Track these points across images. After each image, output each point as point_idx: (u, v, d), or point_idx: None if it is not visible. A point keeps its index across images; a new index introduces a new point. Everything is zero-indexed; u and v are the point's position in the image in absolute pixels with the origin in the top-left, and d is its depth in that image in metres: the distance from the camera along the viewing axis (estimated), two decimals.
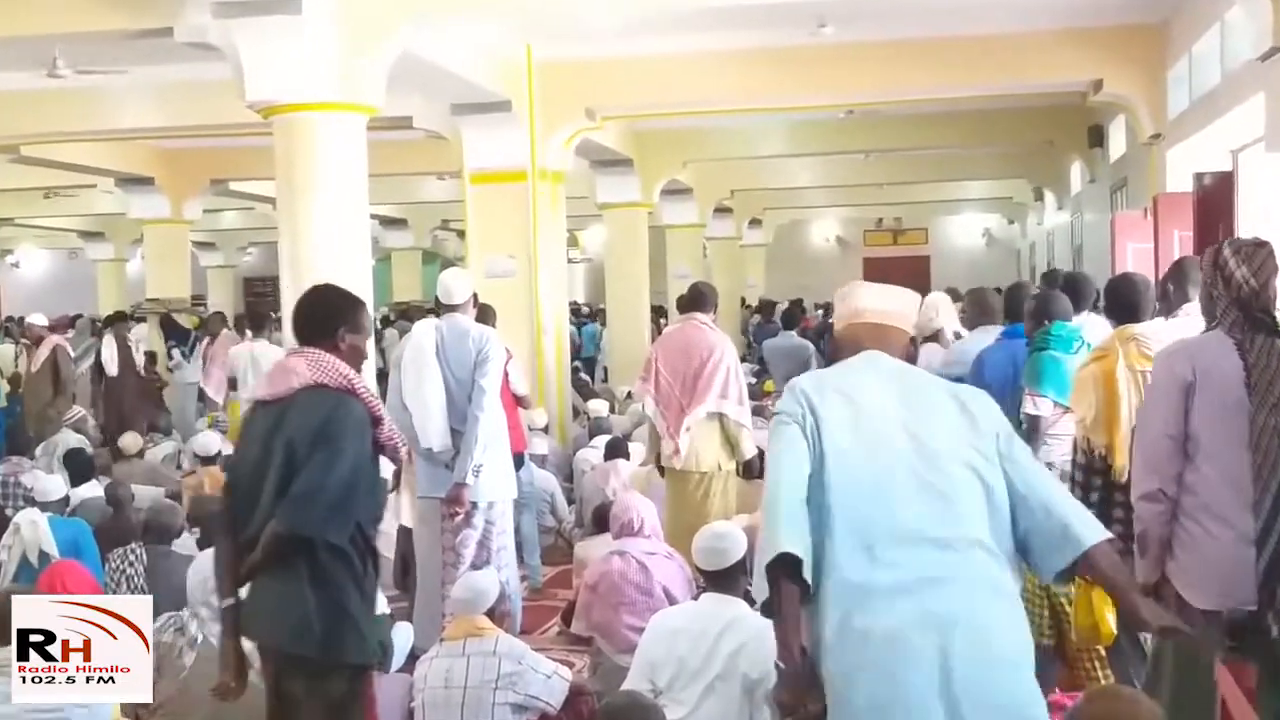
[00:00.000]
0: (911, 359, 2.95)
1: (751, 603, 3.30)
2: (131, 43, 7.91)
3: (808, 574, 2.54)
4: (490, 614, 4.47)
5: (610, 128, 12.16)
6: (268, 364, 9.68)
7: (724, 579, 4.32)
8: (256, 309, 13.33)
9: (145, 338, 13.35)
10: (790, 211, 24.47)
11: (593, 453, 8.82)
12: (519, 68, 10.04)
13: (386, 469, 3.87)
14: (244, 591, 3.40)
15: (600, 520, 6.59)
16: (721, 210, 19.62)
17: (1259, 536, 3.12)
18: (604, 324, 16.77)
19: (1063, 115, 13.73)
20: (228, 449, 9.60)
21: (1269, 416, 3.14)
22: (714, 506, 6.44)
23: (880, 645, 2.51)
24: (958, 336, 6.78)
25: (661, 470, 6.72)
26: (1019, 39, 10.08)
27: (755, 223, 23.04)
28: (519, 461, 6.61)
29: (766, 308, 19.16)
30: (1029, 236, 23.61)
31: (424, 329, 5.73)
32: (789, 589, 2.55)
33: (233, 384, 10.29)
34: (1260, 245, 3.35)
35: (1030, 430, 5.53)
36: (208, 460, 8.26)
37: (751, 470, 6.47)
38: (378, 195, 12.33)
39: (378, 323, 13.37)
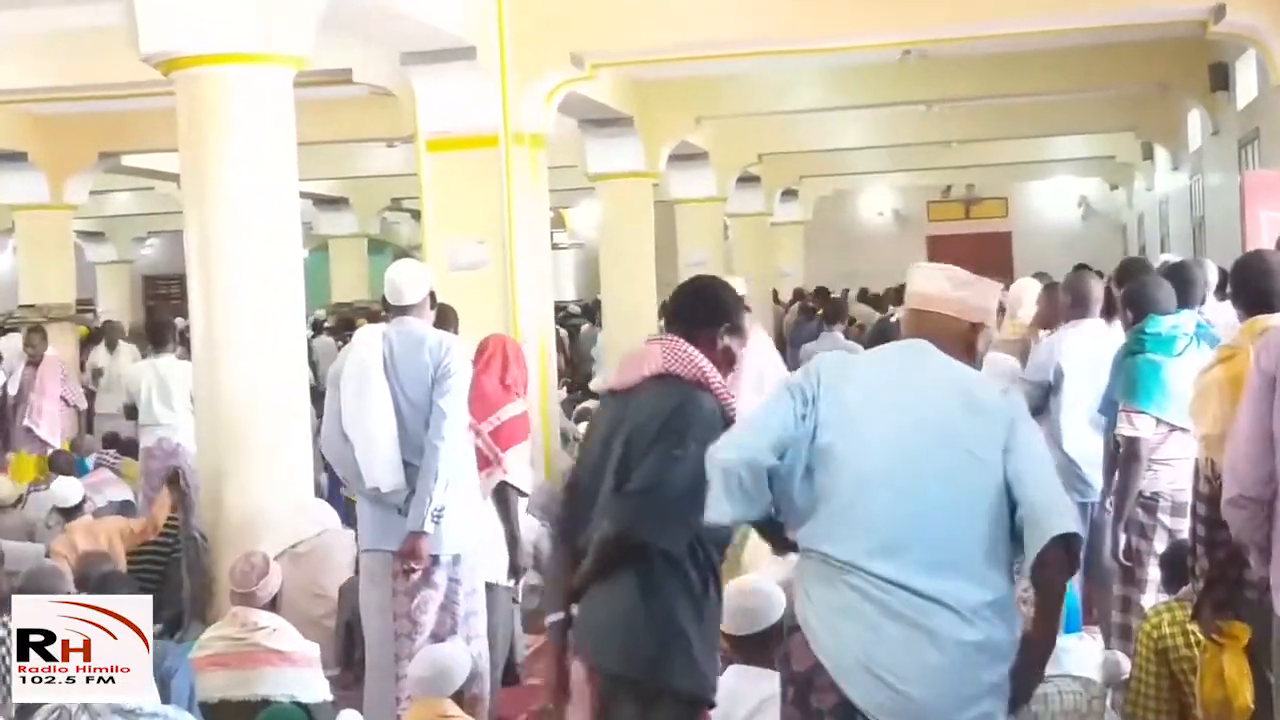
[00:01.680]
0: (971, 347, 3.37)
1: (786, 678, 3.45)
2: None
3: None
4: (458, 697, 4.47)
5: (604, 78, 12.18)
6: (177, 384, 9.88)
7: (755, 647, 4.33)
8: (157, 316, 13.33)
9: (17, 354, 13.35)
10: (834, 180, 24.50)
11: None
12: (486, 4, 10.06)
13: None
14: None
15: None
16: (747, 180, 19.64)
17: None
18: (601, 325, 16.79)
19: (1178, 51, 13.72)
20: (116, 492, 9.59)
21: None
22: (743, 555, 6.45)
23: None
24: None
25: None
26: None
27: (789, 194, 23.06)
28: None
29: (810, 300, 19.13)
30: (1136, 206, 23.63)
31: (368, 338, 5.74)
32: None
33: (131, 411, 10.26)
34: None
35: (1128, 456, 5.52)
36: (69, 513, 8.24)
37: None
38: (310, 169, 12.36)
39: (309, 329, 13.40)
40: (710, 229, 18.21)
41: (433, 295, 5.88)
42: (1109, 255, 21.46)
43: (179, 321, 13.13)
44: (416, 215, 17.18)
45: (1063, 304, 6.48)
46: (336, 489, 8.82)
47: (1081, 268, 7.21)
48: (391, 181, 21.06)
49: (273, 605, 5.27)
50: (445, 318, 6.58)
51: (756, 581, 4.62)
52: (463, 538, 5.65)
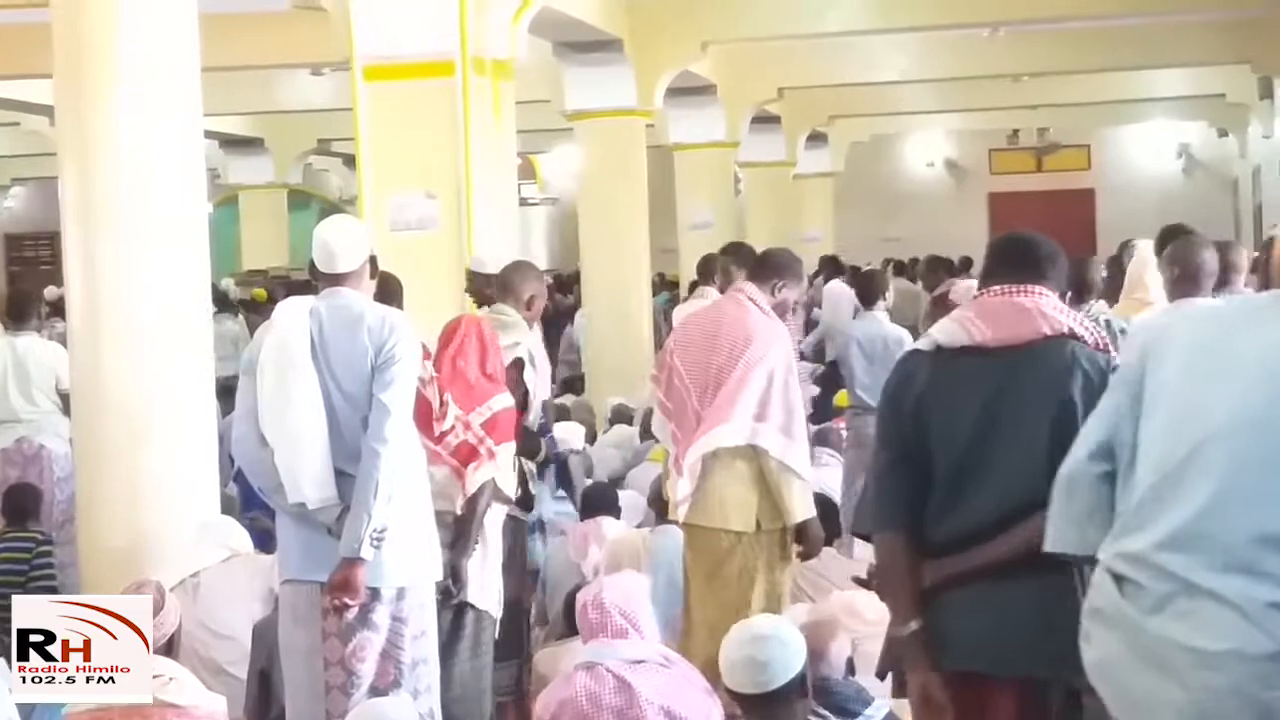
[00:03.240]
0: None
1: None
2: None
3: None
4: None
5: None
6: (39, 371, 9.85)
7: (770, 708, 4.32)
8: (21, 287, 13.32)
9: None
10: (872, 121, 24.53)
11: (562, 507, 8.83)
12: None
13: None
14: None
15: (574, 614, 6.61)
16: (764, 121, 19.66)
17: None
18: (579, 301, 16.79)
19: None
20: None
21: None
22: (754, 591, 6.46)
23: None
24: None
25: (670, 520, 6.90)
26: None
27: (817, 139, 23.07)
28: None
29: (857, 276, 18.94)
30: (1251, 157, 23.69)
31: (292, 314, 5.71)
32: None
33: None
34: None
35: None
36: None
37: (810, 539, 6.55)
38: (218, 101, 12.34)
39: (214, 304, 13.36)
40: (718, 182, 18.22)
41: (373, 261, 5.86)
42: (1216, 217, 21.53)
43: (50, 290, 13.12)
44: (350, 161, 17.16)
45: (1167, 278, 6.48)
46: (250, 503, 8.81)
47: (1174, 230, 7.20)
48: (318, 118, 21.08)
49: (168, 649, 5.27)
50: (388, 289, 6.56)
51: (768, 625, 4.61)
52: (409, 567, 5.64)
